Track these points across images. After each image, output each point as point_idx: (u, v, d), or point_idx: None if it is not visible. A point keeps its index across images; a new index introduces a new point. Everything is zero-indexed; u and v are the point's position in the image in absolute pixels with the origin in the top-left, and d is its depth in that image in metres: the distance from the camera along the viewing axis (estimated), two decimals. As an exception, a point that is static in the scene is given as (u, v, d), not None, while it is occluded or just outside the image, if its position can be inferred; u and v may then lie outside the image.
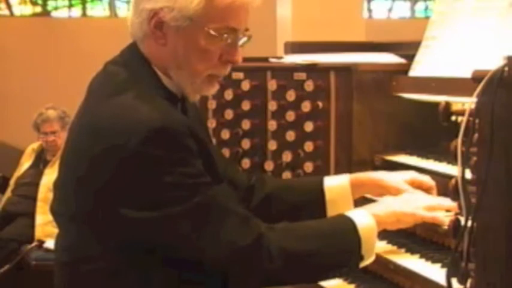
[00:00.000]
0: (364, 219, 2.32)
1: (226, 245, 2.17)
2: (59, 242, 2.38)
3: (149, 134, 2.12)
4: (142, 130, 2.12)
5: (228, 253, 2.17)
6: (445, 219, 2.39)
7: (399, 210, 2.40)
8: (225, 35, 2.27)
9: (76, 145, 2.28)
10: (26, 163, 6.46)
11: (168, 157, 2.13)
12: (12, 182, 6.45)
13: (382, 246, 2.62)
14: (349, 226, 2.29)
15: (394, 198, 2.50)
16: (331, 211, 2.57)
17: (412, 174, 2.64)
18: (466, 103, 2.09)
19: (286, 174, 3.15)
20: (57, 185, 2.35)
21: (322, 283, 2.65)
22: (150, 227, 2.15)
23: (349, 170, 2.81)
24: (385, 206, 2.42)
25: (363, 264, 2.31)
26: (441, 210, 2.44)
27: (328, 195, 2.59)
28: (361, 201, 2.60)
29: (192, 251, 2.18)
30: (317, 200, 2.59)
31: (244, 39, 2.34)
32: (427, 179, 2.62)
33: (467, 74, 2.11)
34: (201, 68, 2.28)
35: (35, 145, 6.49)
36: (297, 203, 2.61)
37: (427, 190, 2.59)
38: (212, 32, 2.25)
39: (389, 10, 11.41)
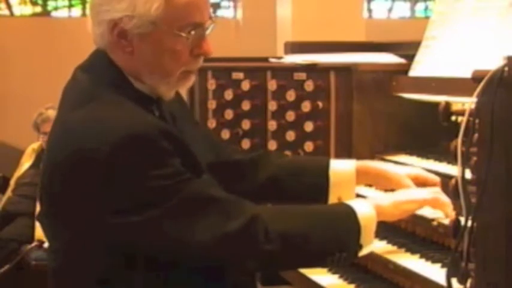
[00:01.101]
0: (364, 208, 2.30)
1: (216, 234, 2.14)
2: (48, 249, 2.40)
3: (119, 142, 2.10)
4: (112, 137, 2.10)
5: (220, 241, 2.14)
6: (447, 200, 2.38)
7: (399, 199, 2.39)
8: (192, 32, 2.24)
9: (51, 155, 2.27)
10: (26, 163, 6.45)
11: (141, 162, 2.11)
12: (12, 182, 6.45)
13: (382, 246, 2.62)
14: (349, 213, 2.27)
15: (394, 192, 2.49)
16: (333, 194, 2.56)
17: (418, 171, 2.64)
18: (466, 103, 2.09)
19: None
20: (40, 195, 2.37)
21: (323, 283, 2.66)
22: (136, 231, 2.14)
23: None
24: (386, 197, 2.43)
25: (361, 253, 2.29)
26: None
27: (333, 179, 2.57)
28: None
29: (183, 250, 2.16)
30: (321, 183, 2.57)
31: (212, 26, 2.31)
32: (432, 176, 2.61)
33: (467, 74, 2.11)
34: (174, 68, 2.27)
35: (35, 145, 6.48)
36: (301, 185, 2.58)
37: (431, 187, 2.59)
38: (178, 32, 2.22)
39: (389, 10, 11.41)
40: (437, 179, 2.59)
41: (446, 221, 2.35)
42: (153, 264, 2.19)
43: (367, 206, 2.31)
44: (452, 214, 2.28)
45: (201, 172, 2.25)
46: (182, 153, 2.20)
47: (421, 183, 2.58)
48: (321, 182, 2.57)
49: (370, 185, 2.78)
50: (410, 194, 2.45)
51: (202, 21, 2.27)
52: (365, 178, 2.62)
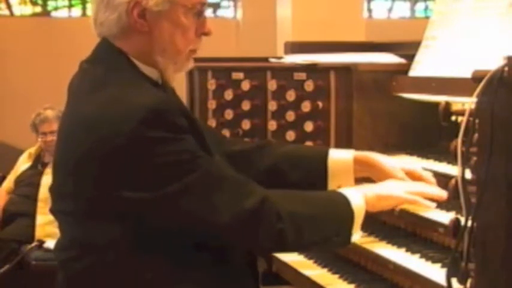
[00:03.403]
0: (357, 199, 2.41)
1: (233, 211, 2.22)
2: (61, 241, 2.41)
3: (141, 117, 2.17)
4: (134, 115, 2.18)
5: (236, 218, 2.23)
6: (428, 203, 2.50)
7: (381, 193, 2.48)
8: (200, 9, 2.37)
9: (69, 144, 2.31)
10: (22, 166, 6.45)
11: (163, 137, 2.19)
12: (12, 182, 6.44)
13: (382, 246, 2.63)
14: (344, 202, 2.39)
15: (380, 183, 2.57)
16: (332, 182, 2.63)
17: (414, 166, 2.68)
18: (466, 103, 2.09)
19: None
20: (54, 187, 2.41)
21: (322, 283, 2.66)
22: (155, 207, 2.20)
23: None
24: (370, 189, 2.50)
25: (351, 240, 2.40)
26: (424, 196, 2.52)
27: (331, 168, 2.64)
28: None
29: (201, 225, 2.23)
30: (320, 172, 2.65)
31: (208, 10, 2.45)
32: (427, 175, 2.63)
33: (467, 74, 2.11)
34: (184, 46, 2.38)
35: (32, 149, 6.48)
36: (301, 173, 2.66)
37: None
38: (192, 9, 2.35)
39: (389, 10, 11.41)
40: (432, 179, 2.61)
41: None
42: (171, 245, 2.25)
43: (359, 197, 2.42)
44: (432, 206, 2.49)
45: (211, 154, 2.34)
46: (196, 133, 2.28)
47: (416, 179, 2.61)
48: (320, 171, 2.64)
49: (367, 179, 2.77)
50: (393, 190, 2.51)
51: (206, 0, 2.40)
52: (362, 168, 2.66)
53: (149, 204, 2.20)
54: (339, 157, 2.65)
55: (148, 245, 2.24)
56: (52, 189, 2.42)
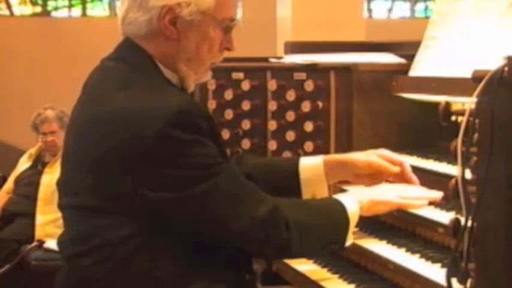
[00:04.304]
0: (352, 205, 2.48)
1: (248, 217, 2.27)
2: (67, 236, 2.41)
3: (170, 117, 2.20)
4: (164, 115, 2.20)
5: (250, 224, 2.27)
6: (420, 202, 2.57)
7: (375, 199, 2.55)
8: (229, 25, 2.40)
9: (87, 140, 2.31)
10: (22, 166, 6.46)
11: (188, 139, 2.22)
12: (12, 182, 6.45)
13: (381, 246, 2.63)
14: (341, 210, 2.46)
15: (372, 188, 2.63)
16: (306, 189, 2.66)
17: (382, 151, 2.70)
18: (466, 103, 2.09)
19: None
20: (62, 182, 2.41)
21: (322, 283, 2.66)
22: (173, 207, 2.23)
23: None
24: (364, 194, 2.57)
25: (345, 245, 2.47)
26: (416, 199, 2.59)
27: (302, 175, 2.67)
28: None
29: (215, 228, 2.27)
30: (292, 179, 2.67)
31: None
32: (395, 157, 2.68)
33: (467, 74, 2.11)
34: (207, 58, 2.41)
35: (33, 150, 6.49)
36: (274, 183, 2.66)
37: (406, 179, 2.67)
38: (221, 23, 2.38)
39: (389, 10, 11.41)
40: (401, 160, 2.67)
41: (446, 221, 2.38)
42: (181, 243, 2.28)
43: (354, 203, 2.49)
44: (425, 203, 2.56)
45: (227, 159, 2.39)
46: (215, 138, 2.31)
47: (388, 161, 2.65)
48: (292, 179, 2.67)
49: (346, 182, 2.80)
50: (386, 195, 2.58)
51: (236, 17, 2.43)
52: (335, 169, 2.67)
53: (168, 204, 2.22)
54: (309, 163, 2.67)
55: (160, 243, 2.26)
56: (60, 183, 2.42)
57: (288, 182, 2.67)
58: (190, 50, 2.36)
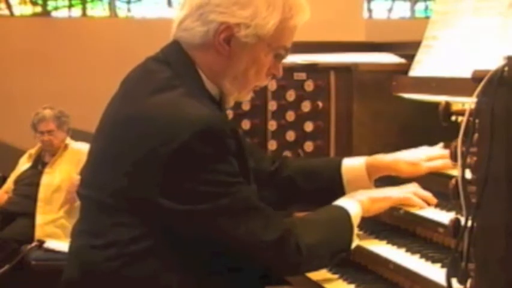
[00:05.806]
0: (354, 208, 2.51)
1: (254, 239, 2.27)
2: (81, 227, 2.42)
3: (198, 130, 2.20)
4: (193, 126, 2.20)
5: (261, 247, 2.28)
6: (419, 201, 2.58)
7: (375, 196, 2.58)
8: (281, 53, 2.42)
9: (115, 138, 2.32)
10: (23, 166, 6.46)
11: (212, 154, 2.22)
12: (12, 182, 6.45)
13: (382, 246, 2.63)
14: (346, 217, 2.48)
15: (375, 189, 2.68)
16: (350, 190, 2.68)
17: (425, 151, 2.74)
18: (466, 103, 2.09)
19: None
20: (86, 173, 2.43)
21: (323, 283, 2.66)
22: (184, 220, 2.24)
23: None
24: (364, 193, 2.59)
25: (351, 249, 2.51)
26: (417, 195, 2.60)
27: (345, 176, 2.71)
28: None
29: (221, 245, 2.27)
30: (336, 182, 2.71)
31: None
32: (440, 152, 2.70)
33: (467, 74, 2.11)
34: (252, 81, 2.42)
35: (33, 150, 6.49)
36: (316, 184, 2.72)
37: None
38: (275, 50, 2.39)
39: (389, 10, 11.42)
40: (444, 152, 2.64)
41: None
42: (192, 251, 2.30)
43: (356, 205, 2.52)
44: (424, 205, 2.57)
45: (250, 180, 2.38)
46: (241, 158, 2.32)
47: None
48: (334, 181, 2.70)
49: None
50: (385, 192, 2.62)
51: (290, 46, 2.44)
52: (380, 173, 2.72)
53: (179, 216, 2.23)
54: (352, 164, 2.71)
55: (170, 249, 2.27)
56: (86, 174, 2.44)
57: (331, 183, 2.70)
58: (238, 70, 2.37)
